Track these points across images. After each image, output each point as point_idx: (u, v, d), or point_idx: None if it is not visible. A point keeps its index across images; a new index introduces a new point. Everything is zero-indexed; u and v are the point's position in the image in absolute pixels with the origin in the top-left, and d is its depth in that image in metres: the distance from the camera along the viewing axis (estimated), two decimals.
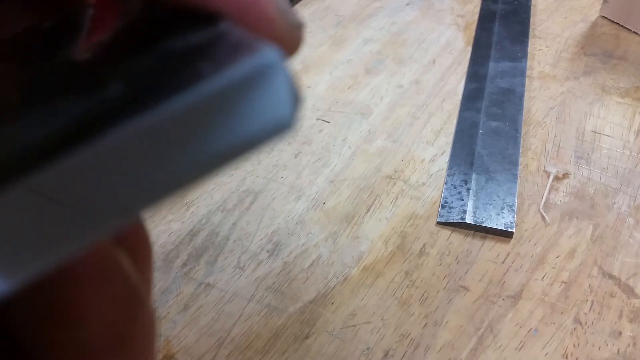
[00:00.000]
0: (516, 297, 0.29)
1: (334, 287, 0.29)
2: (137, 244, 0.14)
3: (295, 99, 0.11)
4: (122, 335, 0.12)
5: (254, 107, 0.10)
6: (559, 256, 0.31)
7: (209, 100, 0.10)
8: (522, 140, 0.37)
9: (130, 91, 0.10)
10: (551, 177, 0.35)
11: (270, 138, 0.11)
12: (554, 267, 0.30)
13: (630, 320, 0.28)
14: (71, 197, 0.09)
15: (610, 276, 0.30)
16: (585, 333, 0.27)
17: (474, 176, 0.35)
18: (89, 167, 0.09)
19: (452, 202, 0.33)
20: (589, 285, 0.29)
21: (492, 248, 0.31)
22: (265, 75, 0.10)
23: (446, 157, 0.36)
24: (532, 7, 0.50)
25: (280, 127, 0.11)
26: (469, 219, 0.32)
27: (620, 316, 0.28)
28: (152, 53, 0.12)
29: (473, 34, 0.47)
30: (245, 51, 0.10)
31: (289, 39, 0.12)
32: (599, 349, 0.27)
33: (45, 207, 0.09)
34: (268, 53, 0.10)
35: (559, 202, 0.34)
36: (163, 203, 0.10)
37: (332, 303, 0.29)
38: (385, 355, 0.27)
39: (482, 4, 0.51)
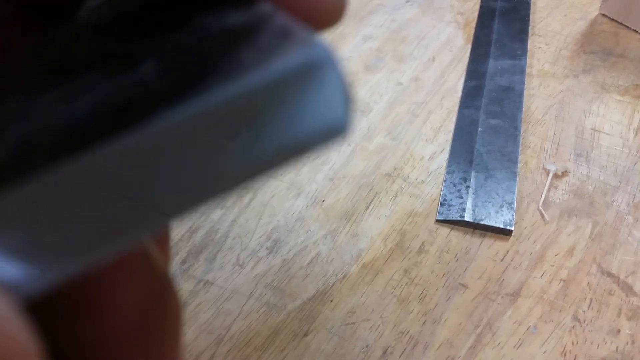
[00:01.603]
0: (515, 295, 0.29)
1: (333, 284, 0.29)
2: None
3: (348, 99, 0.10)
4: (149, 321, 0.12)
5: (304, 107, 0.09)
6: (557, 254, 0.31)
7: (259, 92, 0.09)
8: (521, 138, 0.37)
9: (166, 72, 0.09)
10: (550, 175, 0.35)
11: (321, 143, 0.10)
12: (553, 265, 0.30)
13: (629, 318, 0.28)
14: (109, 186, 0.09)
15: (609, 274, 0.30)
16: (584, 331, 0.28)
17: (473, 174, 0.35)
18: (123, 158, 0.08)
19: (451, 199, 0.33)
20: (588, 283, 0.29)
21: (491, 246, 0.31)
22: (318, 71, 0.09)
23: (445, 155, 0.36)
24: (531, 5, 0.50)
25: (333, 130, 0.10)
26: (468, 217, 0.32)
27: (618, 314, 0.28)
28: (184, 28, 0.11)
29: (473, 31, 0.47)
30: (294, 42, 0.09)
31: (332, 9, 0.11)
32: (598, 346, 0.27)
33: (86, 196, 0.09)
34: (320, 47, 0.09)
35: (558, 200, 0.34)
36: (202, 207, 0.09)
37: (331, 300, 0.29)
38: (384, 352, 0.27)
39: (481, 1, 0.51)
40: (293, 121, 0.09)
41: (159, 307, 0.12)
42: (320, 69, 0.09)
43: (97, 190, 0.09)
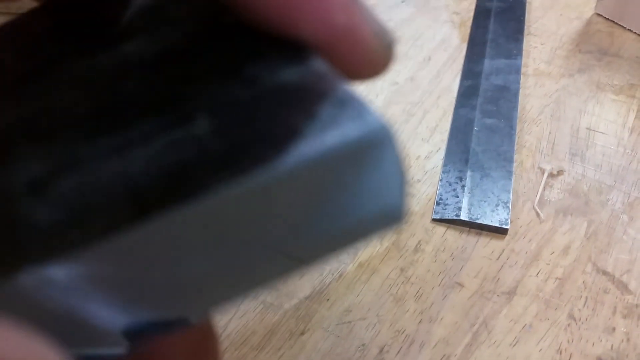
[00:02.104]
0: (511, 294, 0.29)
1: (329, 283, 0.29)
2: None
3: (404, 181, 0.09)
4: (197, 357, 0.12)
5: (359, 186, 0.08)
6: (553, 253, 0.31)
7: (316, 166, 0.08)
8: (517, 137, 0.37)
9: (222, 135, 0.09)
10: (546, 174, 0.35)
11: (375, 228, 0.09)
12: (549, 264, 0.30)
13: (624, 316, 0.28)
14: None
15: (604, 272, 0.30)
16: (579, 329, 0.28)
17: (469, 173, 0.35)
18: (168, 231, 0.08)
19: (447, 198, 0.33)
20: (583, 282, 0.30)
21: (487, 244, 0.31)
22: (376, 148, 0.09)
23: (441, 154, 0.36)
24: (527, 5, 0.51)
25: (388, 214, 0.09)
26: (464, 216, 0.32)
27: (614, 312, 0.28)
28: (236, 78, 0.10)
29: (468, 31, 0.47)
30: (351, 112, 0.09)
31: (380, 63, 0.11)
32: (593, 344, 0.27)
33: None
34: (379, 123, 0.09)
35: (553, 199, 0.34)
36: (241, 297, 0.09)
37: (328, 299, 0.29)
38: (381, 351, 0.27)
39: (477, 1, 0.51)
40: (345, 202, 0.09)
41: (204, 342, 0.12)
42: (378, 146, 0.09)
43: (163, 258, 0.08)
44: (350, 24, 0.10)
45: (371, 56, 0.11)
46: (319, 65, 0.10)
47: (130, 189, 0.08)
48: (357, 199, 0.09)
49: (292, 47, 0.10)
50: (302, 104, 0.09)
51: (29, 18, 0.13)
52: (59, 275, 0.08)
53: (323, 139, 0.08)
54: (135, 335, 0.08)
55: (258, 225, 0.08)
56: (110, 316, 0.08)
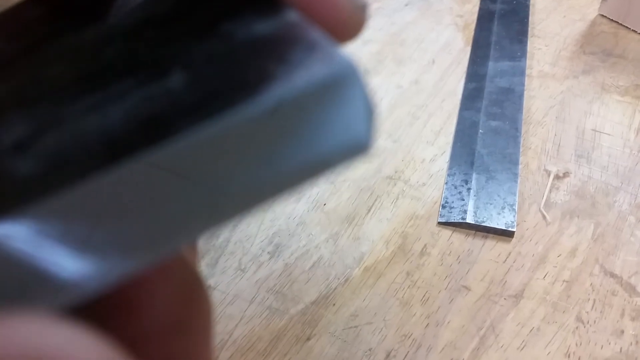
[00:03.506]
0: (518, 297, 0.29)
1: (335, 288, 0.29)
2: None
3: (371, 116, 0.10)
4: (182, 321, 0.12)
5: (328, 122, 0.09)
6: (560, 255, 0.31)
7: (285, 108, 0.09)
8: (522, 139, 0.37)
9: (195, 85, 0.09)
10: (552, 176, 0.35)
11: (343, 160, 0.09)
12: (556, 266, 0.30)
13: (633, 319, 0.28)
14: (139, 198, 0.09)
15: (612, 275, 0.30)
16: (587, 332, 0.27)
17: (474, 176, 0.34)
18: (152, 171, 0.09)
19: (452, 202, 0.33)
20: (591, 284, 0.29)
21: (493, 247, 0.31)
22: (343, 86, 0.09)
23: (446, 157, 0.36)
24: (530, 7, 0.50)
25: (356, 147, 0.09)
26: (469, 219, 0.32)
27: (622, 315, 0.28)
28: (210, 37, 0.11)
29: (472, 33, 0.47)
30: (319, 55, 0.09)
31: (353, 24, 0.12)
32: (601, 347, 0.27)
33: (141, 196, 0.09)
34: (345, 61, 0.09)
35: (559, 201, 0.34)
36: (221, 227, 0.09)
37: (334, 304, 0.29)
38: (388, 356, 0.27)
39: (480, 3, 0.51)
40: (316, 137, 0.09)
41: (192, 304, 0.12)
42: (345, 84, 0.09)
43: (139, 196, 0.09)
44: None
45: (343, 15, 0.11)
46: (291, 16, 0.11)
47: (104, 138, 0.09)
48: (327, 132, 0.09)
49: (267, 3, 0.11)
50: (274, 52, 0.10)
51: (20, 7, 0.14)
52: (30, 225, 0.08)
53: (292, 80, 0.09)
54: (107, 278, 0.09)
55: (230, 163, 0.09)
56: (79, 264, 0.09)
